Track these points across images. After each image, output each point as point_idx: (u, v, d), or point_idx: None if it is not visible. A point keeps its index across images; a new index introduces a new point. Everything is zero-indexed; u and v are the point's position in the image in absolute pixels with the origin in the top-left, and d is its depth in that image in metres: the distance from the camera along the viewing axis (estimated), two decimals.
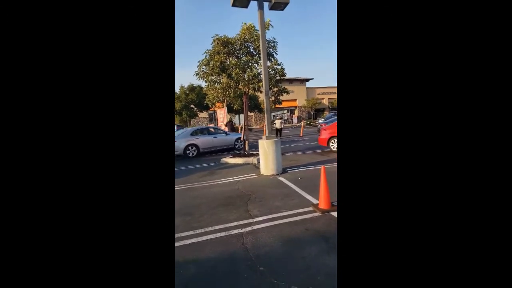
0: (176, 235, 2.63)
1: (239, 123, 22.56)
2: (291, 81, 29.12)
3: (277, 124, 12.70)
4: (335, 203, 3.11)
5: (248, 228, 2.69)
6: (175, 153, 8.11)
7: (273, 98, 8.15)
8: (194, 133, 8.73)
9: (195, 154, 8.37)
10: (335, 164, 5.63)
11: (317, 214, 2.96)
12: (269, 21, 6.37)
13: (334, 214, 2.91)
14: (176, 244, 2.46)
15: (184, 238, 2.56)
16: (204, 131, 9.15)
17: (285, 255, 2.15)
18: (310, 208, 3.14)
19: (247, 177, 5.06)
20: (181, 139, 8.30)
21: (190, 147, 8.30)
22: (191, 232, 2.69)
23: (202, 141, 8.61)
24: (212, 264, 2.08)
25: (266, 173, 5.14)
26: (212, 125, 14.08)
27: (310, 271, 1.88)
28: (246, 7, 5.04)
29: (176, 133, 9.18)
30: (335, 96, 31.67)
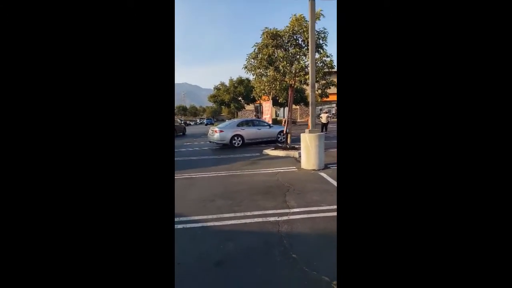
0: (219, 216, 2.91)
1: (283, 116, 22.43)
2: None
3: (323, 118, 12.23)
4: None
5: (285, 217, 2.79)
6: (223, 142, 8.80)
7: (319, 91, 7.88)
8: (240, 125, 9.26)
9: (240, 144, 8.87)
10: None
11: None
12: (321, 10, 6.12)
13: None
14: (218, 223, 2.73)
15: (225, 219, 2.82)
16: (249, 123, 9.58)
17: (318, 247, 2.18)
18: None
19: (287, 170, 5.11)
20: (228, 130, 8.92)
21: (236, 137, 8.84)
22: (232, 214, 2.93)
23: (247, 132, 9.06)
24: (249, 245, 2.26)
25: (307, 167, 5.10)
26: (263, 117, 14.32)
27: None
28: None
29: (224, 123, 9.92)
30: None
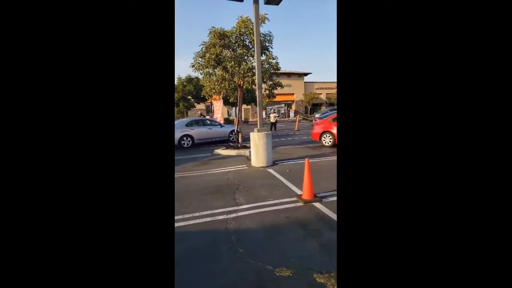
0: None
1: (235, 116, 22.57)
2: (289, 75, 29.02)
3: (271, 118, 12.81)
4: (318, 195, 3.29)
5: (233, 215, 2.86)
6: None
7: (267, 92, 8.24)
8: (189, 124, 8.88)
9: (189, 144, 8.52)
10: (324, 158, 5.81)
11: (300, 204, 3.14)
12: (265, 14, 6.39)
13: (316, 204, 3.09)
14: None
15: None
16: (199, 123, 9.30)
17: (263, 239, 2.32)
18: (294, 198, 3.31)
19: (238, 168, 5.21)
20: (176, 130, 8.43)
21: (184, 138, 8.45)
22: (179, 216, 2.85)
23: (197, 132, 8.76)
24: (196, 244, 2.25)
25: (256, 164, 5.30)
26: (208, 117, 14.17)
27: (284, 254, 2.06)
28: (242, 0, 5.07)
29: None
30: (332, 91, 31.62)
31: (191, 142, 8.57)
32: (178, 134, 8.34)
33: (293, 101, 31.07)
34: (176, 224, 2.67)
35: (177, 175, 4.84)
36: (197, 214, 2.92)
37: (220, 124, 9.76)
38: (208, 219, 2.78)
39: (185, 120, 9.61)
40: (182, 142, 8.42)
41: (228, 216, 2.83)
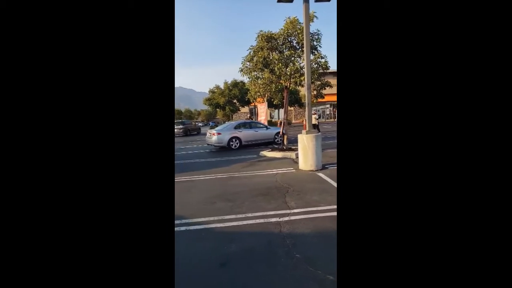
0: (220, 217, 2.91)
1: (278, 118, 22.54)
2: (335, 74, 27.64)
3: (312, 119, 12.36)
4: None
5: (286, 218, 2.81)
6: (220, 144, 8.82)
7: (315, 92, 7.98)
8: (237, 127, 9.32)
9: (237, 146, 8.90)
10: None
11: None
12: (314, 12, 6.21)
13: None
14: (220, 225, 2.74)
15: (227, 221, 2.82)
16: (246, 125, 9.65)
17: (320, 246, 2.21)
18: None
19: (285, 171, 5.15)
20: (226, 132, 8.96)
21: (233, 140, 8.88)
22: (233, 216, 2.94)
23: (244, 134, 9.12)
24: (251, 245, 2.27)
25: (304, 168, 5.14)
26: (258, 119, 14.57)
27: None
28: (291, 1, 5.02)
29: (221, 126, 10.02)
30: None
31: (239, 143, 8.93)
32: (227, 136, 8.82)
33: None
34: (230, 224, 2.75)
35: (226, 175, 5.04)
36: (250, 215, 2.97)
37: (266, 126, 9.93)
38: (261, 220, 2.79)
39: (234, 123, 10.07)
40: (231, 143, 8.84)
41: (281, 219, 2.80)
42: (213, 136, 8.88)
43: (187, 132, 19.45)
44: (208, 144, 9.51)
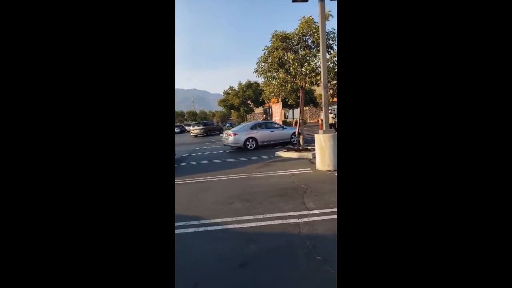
0: (238, 218, 2.94)
1: (293, 118, 22.36)
2: None
3: (330, 119, 12.10)
4: None
5: (305, 219, 2.78)
6: (237, 145, 8.89)
7: (331, 92, 7.82)
8: (253, 127, 9.34)
9: (253, 146, 8.94)
10: None
11: None
12: (329, 11, 6.10)
13: None
14: (238, 225, 2.76)
15: (245, 222, 2.84)
16: (262, 125, 9.65)
17: None
18: None
19: (302, 171, 5.09)
20: (242, 133, 9.01)
21: (249, 140, 8.92)
22: (251, 217, 2.95)
23: (260, 134, 9.12)
24: (271, 246, 2.27)
25: (322, 168, 5.06)
26: (273, 120, 14.56)
27: None
28: (307, 1, 4.97)
29: (238, 127, 10.09)
30: None
31: (255, 144, 8.96)
32: (243, 137, 8.87)
33: None
34: (248, 224, 2.76)
35: (243, 176, 5.07)
36: (268, 215, 2.96)
37: (282, 127, 9.89)
38: (280, 221, 2.78)
39: (250, 123, 10.12)
40: (247, 144, 8.88)
41: (300, 220, 2.77)
42: (229, 136, 8.95)
43: (208, 132, 20.28)
44: (224, 145, 9.61)
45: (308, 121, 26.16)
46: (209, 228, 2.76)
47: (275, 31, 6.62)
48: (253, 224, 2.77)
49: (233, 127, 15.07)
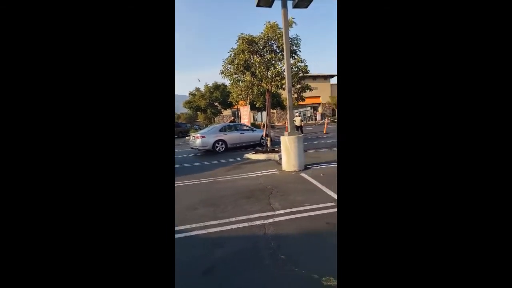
0: (203, 224, 2.85)
1: (261, 120, 22.71)
2: (315, 77, 28.49)
3: (297, 121, 12.61)
4: None
5: (270, 220, 2.82)
6: (205, 148, 8.63)
7: (296, 95, 8.14)
8: (222, 129, 9.16)
9: (223, 149, 8.77)
10: None
11: None
12: (293, 18, 6.37)
13: None
14: (203, 231, 2.68)
15: (211, 227, 2.77)
16: (232, 128, 9.52)
17: (305, 246, 2.24)
18: (332, 204, 3.17)
19: (269, 173, 5.18)
20: (210, 135, 8.78)
21: (218, 143, 8.72)
22: (216, 222, 2.89)
23: (230, 137, 8.99)
24: (237, 249, 2.24)
25: (287, 169, 5.21)
26: (241, 122, 14.53)
27: (329, 261, 1.95)
28: (270, 6, 5.11)
29: (206, 129, 9.76)
30: None
31: (224, 146, 8.80)
32: (212, 139, 8.64)
33: (319, 103, 30.36)
34: (214, 229, 2.70)
35: (209, 179, 4.96)
36: (234, 219, 2.94)
37: (252, 129, 9.90)
38: (246, 224, 2.77)
39: (219, 125, 9.92)
40: (216, 146, 8.68)
41: (265, 221, 2.80)
42: (197, 139, 8.64)
43: (180, 134, 19.77)
44: (192, 148, 9.28)
45: (276, 124, 26.81)
46: None
47: (241, 33, 6.67)
48: (219, 228, 2.71)
49: (201, 129, 14.68)
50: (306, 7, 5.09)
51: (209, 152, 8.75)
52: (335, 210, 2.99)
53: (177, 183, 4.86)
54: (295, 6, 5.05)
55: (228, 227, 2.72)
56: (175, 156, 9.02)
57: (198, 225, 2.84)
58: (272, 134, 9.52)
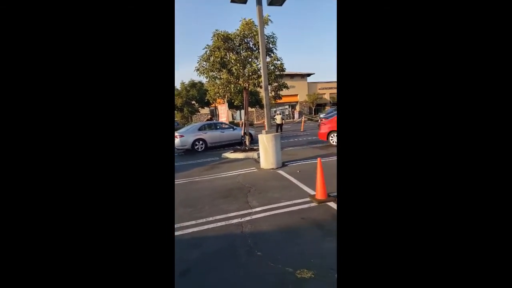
0: (179, 225, 2.78)
1: (240, 119, 22.66)
2: (292, 76, 28.99)
3: (278, 119, 12.78)
4: (331, 194, 3.23)
5: (247, 218, 2.83)
6: (184, 147, 8.39)
7: (273, 93, 8.23)
8: (202, 128, 8.96)
9: (203, 148, 8.60)
10: (333, 158, 5.74)
11: (314, 204, 3.09)
12: (268, 16, 6.41)
13: (330, 204, 3.03)
14: (179, 232, 2.61)
15: (187, 227, 2.71)
16: (211, 126, 9.33)
17: (281, 241, 2.29)
18: (307, 199, 3.26)
19: (248, 171, 5.19)
20: (189, 134, 8.54)
21: (198, 142, 8.53)
22: (193, 222, 2.84)
23: (209, 135, 8.82)
24: (214, 249, 2.23)
25: (266, 167, 5.26)
26: (220, 120, 14.26)
27: (304, 255, 2.02)
28: (245, 2, 5.09)
29: (185, 128, 9.49)
30: (336, 91, 31.47)
31: (204, 146, 8.63)
32: (191, 139, 8.42)
33: (297, 102, 31.00)
34: (191, 230, 2.65)
35: (186, 180, 4.85)
36: (211, 218, 2.90)
37: (233, 127, 9.78)
38: (223, 223, 2.76)
39: (198, 124, 9.69)
40: (196, 146, 8.48)
41: (243, 219, 2.81)
42: (175, 138, 8.34)
43: None
44: None
45: (255, 122, 26.90)
46: None
47: (216, 30, 6.56)
48: (195, 229, 2.67)
49: (178, 128, 14.25)
50: (281, 4, 5.15)
51: (189, 152, 8.53)
52: (310, 205, 3.08)
53: None
54: (270, 3, 5.08)
55: (205, 227, 2.69)
56: None
57: (175, 226, 2.76)
58: (253, 132, 9.55)
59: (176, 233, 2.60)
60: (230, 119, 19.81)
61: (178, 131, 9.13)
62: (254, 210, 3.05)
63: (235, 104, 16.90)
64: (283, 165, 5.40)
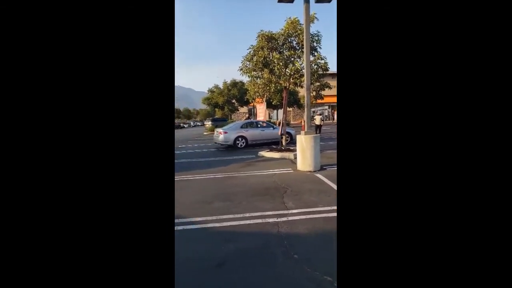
0: (217, 217, 2.89)
1: (277, 118, 22.59)
2: (334, 75, 27.76)
3: (317, 120, 12.36)
4: None
5: (284, 219, 2.80)
6: (227, 143, 8.98)
7: (314, 93, 7.98)
8: (243, 126, 9.49)
9: (244, 145, 9.06)
10: None
11: None
12: (315, 14, 6.22)
13: None
14: (217, 224, 2.72)
15: (224, 220, 2.80)
16: (252, 124, 9.82)
17: (318, 247, 2.20)
18: None
19: (284, 171, 5.14)
20: (232, 131, 9.13)
21: (239, 139, 9.04)
22: (230, 216, 2.92)
23: (250, 133, 9.28)
24: (249, 246, 2.25)
25: (303, 168, 5.14)
26: (257, 119, 14.63)
27: None
28: (292, 1, 5.02)
29: (228, 125, 10.16)
30: None
31: (245, 143, 9.08)
32: (233, 135, 8.98)
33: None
34: (228, 223, 2.73)
35: (223, 175, 5.02)
36: (248, 214, 2.95)
37: (273, 126, 10.04)
38: (259, 220, 2.78)
39: (240, 122, 10.22)
40: (237, 142, 8.99)
41: (279, 219, 2.78)
42: (220, 135, 9.03)
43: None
44: (215, 143, 9.67)
45: (292, 122, 26.53)
46: (188, 227, 2.69)
47: (261, 30, 6.63)
48: (233, 223, 2.74)
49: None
50: (329, 1, 4.94)
51: (230, 148, 9.01)
52: None
53: (192, 176, 4.97)
54: (318, 1, 4.92)
55: (242, 222, 2.74)
56: (199, 150, 9.24)
57: (213, 217, 2.89)
58: (293, 132, 9.55)
59: (213, 225, 2.71)
60: (267, 119, 19.90)
61: (222, 128, 9.71)
62: (290, 211, 3.00)
63: (273, 103, 16.91)
64: (321, 168, 5.20)
